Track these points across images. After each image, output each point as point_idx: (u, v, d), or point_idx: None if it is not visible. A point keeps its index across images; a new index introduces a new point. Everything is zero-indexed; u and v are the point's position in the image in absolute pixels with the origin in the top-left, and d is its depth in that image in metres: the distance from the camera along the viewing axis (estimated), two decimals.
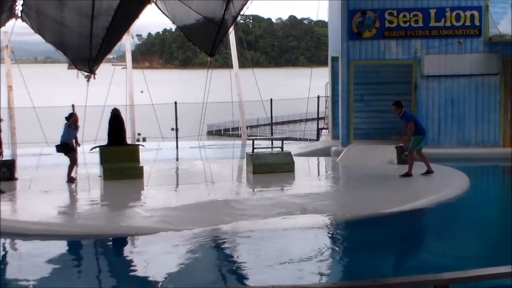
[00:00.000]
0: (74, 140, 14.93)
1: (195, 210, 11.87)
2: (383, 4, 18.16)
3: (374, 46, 18.25)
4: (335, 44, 19.79)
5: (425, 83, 18.18)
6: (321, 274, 8.74)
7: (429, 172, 14.48)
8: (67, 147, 14.63)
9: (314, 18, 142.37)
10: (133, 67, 25.48)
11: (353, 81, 18.45)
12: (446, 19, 18.02)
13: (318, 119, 24.61)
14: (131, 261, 9.83)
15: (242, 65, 25.19)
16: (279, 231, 10.71)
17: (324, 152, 18.76)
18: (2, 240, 11.01)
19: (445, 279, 4.97)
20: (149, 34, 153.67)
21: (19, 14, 16.77)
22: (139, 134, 29.11)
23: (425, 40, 18.07)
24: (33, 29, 17.25)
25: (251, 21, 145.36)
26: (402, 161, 15.80)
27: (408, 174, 14.33)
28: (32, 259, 9.75)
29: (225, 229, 10.83)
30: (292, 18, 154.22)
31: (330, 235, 10.86)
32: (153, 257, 9.90)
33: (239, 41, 24.76)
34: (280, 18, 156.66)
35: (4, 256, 10.63)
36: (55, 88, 73.77)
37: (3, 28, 18.06)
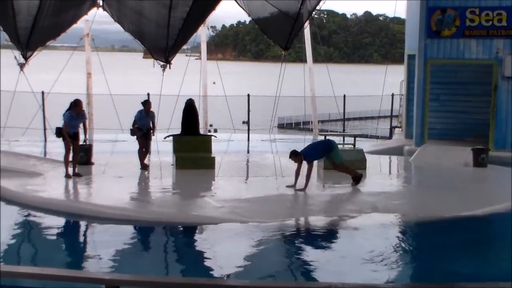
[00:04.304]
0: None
1: (265, 203, 11.90)
2: (465, 2, 17.65)
3: (453, 44, 17.78)
4: (412, 42, 19.40)
5: (506, 85, 17.57)
6: (390, 274, 8.61)
7: (356, 177, 13.52)
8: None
9: (390, 15, 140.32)
10: (207, 59, 25.72)
11: (430, 80, 18.05)
12: None
13: (391, 117, 24.23)
14: (199, 250, 9.96)
15: (315, 60, 25.03)
16: (349, 228, 10.62)
17: (396, 151, 18.45)
18: (80, 222, 11.41)
19: None
20: (223, 26, 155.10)
21: (101, 3, 17.20)
22: (210, 125, 29.39)
23: (508, 40, 17.46)
24: (113, 18, 17.66)
25: (325, 16, 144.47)
26: (478, 163, 15.37)
27: (356, 179, 13.44)
28: (105, 242, 10.03)
29: (294, 223, 10.83)
30: (367, 14, 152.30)
31: (401, 235, 10.68)
32: (221, 247, 10.00)
33: (313, 35, 24.61)
34: (354, 14, 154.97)
35: (80, 237, 10.99)
36: (130, 76, 75.38)
37: (85, 17, 18.54)
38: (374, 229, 10.68)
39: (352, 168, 13.67)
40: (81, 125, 14.04)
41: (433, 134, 18.41)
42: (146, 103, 15.32)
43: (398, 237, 10.52)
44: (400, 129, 21.37)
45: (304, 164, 12.97)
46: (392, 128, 23.61)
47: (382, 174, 15.66)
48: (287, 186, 13.01)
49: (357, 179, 13.43)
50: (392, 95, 23.04)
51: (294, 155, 13.09)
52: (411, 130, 18.91)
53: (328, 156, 13.51)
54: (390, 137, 23.53)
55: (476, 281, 7.64)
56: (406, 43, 20.86)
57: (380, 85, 21.26)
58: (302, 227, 10.73)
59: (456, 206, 11.89)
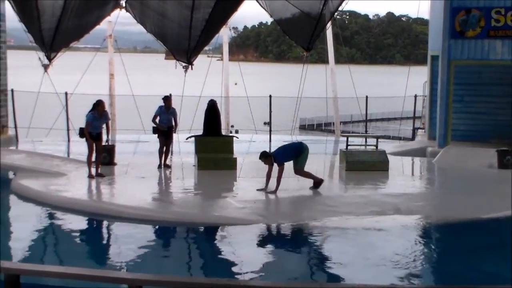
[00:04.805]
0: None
1: (286, 204, 11.90)
2: (490, 2, 17.46)
3: (477, 45, 17.60)
4: (435, 43, 19.25)
5: None
6: (413, 276, 8.54)
7: (317, 183, 13.21)
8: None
9: (413, 15, 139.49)
10: (229, 60, 25.77)
11: (453, 81, 17.89)
12: None
13: (414, 118, 24.06)
14: (221, 250, 9.96)
15: (337, 61, 24.97)
16: (371, 229, 10.55)
17: (419, 153, 18.33)
18: (103, 222, 11.48)
19: None
20: (245, 27, 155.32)
21: (123, 5, 17.29)
22: (232, 126, 29.43)
23: None
24: (135, 19, 17.74)
25: (347, 17, 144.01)
26: (503, 165, 15.21)
27: (316, 183, 13.17)
28: (128, 242, 10.07)
29: (316, 225, 10.79)
30: (390, 15, 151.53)
31: (424, 237, 10.59)
32: (243, 248, 10.00)
33: (335, 36, 24.54)
34: (377, 15, 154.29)
35: (103, 237, 11.05)
36: (153, 77, 75.76)
37: (108, 18, 18.66)
38: (397, 231, 10.62)
39: (311, 174, 13.26)
40: (104, 125, 14.12)
41: (457, 135, 18.25)
42: (167, 99, 15.39)
43: (420, 239, 10.44)
44: (423, 130, 21.22)
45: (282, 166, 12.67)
46: (415, 130, 23.45)
47: (404, 176, 15.56)
48: (258, 190, 12.67)
49: (317, 184, 13.06)
50: (415, 96, 22.88)
51: (264, 156, 12.78)
52: (434, 132, 18.78)
53: (295, 159, 13.08)
54: (412, 138, 23.36)
55: (496, 283, 7.58)
56: (430, 44, 20.71)
57: (402, 86, 21.14)
58: (324, 228, 10.68)
59: (480, 208, 11.77)
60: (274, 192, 12.48)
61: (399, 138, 30.91)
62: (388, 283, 7.93)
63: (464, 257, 9.48)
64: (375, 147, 16.15)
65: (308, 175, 13.16)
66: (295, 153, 13.04)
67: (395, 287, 6.70)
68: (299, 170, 13.10)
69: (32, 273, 5.53)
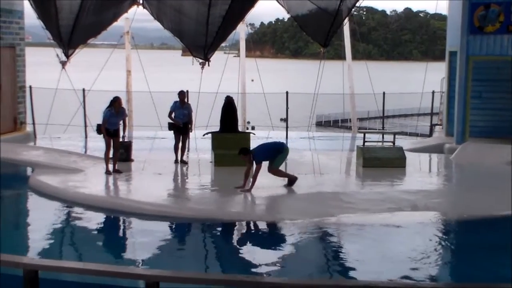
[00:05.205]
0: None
1: (303, 201, 11.88)
2: None
3: (496, 41, 17.43)
4: (453, 39, 19.10)
5: None
6: (429, 273, 8.50)
7: (291, 180, 13.03)
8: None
9: (431, 11, 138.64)
10: (245, 56, 25.73)
11: (472, 77, 17.74)
12: None
13: (431, 114, 23.91)
14: (238, 246, 9.98)
15: (354, 57, 24.84)
16: (388, 226, 10.51)
17: (437, 149, 18.21)
18: (120, 218, 11.55)
19: None
20: (262, 24, 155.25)
21: (141, 1, 17.34)
22: (248, 122, 29.42)
23: None
24: (152, 16, 17.78)
25: (364, 13, 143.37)
26: None
27: (291, 181, 12.98)
28: (145, 238, 10.12)
29: (333, 221, 10.77)
30: (407, 11, 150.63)
31: (441, 234, 10.52)
32: (260, 244, 10.01)
33: (352, 32, 24.42)
34: (394, 11, 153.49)
35: (120, 233, 11.11)
36: (169, 74, 75.95)
37: (125, 15, 18.72)
38: (414, 227, 10.57)
39: (285, 172, 13.10)
40: (121, 122, 14.18)
41: (475, 132, 18.09)
42: (180, 94, 15.44)
43: (437, 236, 10.37)
44: (441, 126, 21.08)
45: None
46: (432, 126, 23.28)
47: (422, 172, 15.47)
48: (235, 188, 12.52)
49: (291, 182, 12.88)
50: (433, 92, 22.72)
51: (243, 153, 12.59)
52: (452, 128, 18.64)
53: (273, 159, 12.85)
54: (430, 135, 23.20)
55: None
56: (448, 39, 20.54)
57: (419, 83, 21.02)
58: (341, 225, 10.65)
59: (498, 205, 11.67)
60: (249, 190, 12.26)
61: (416, 135, 30.76)
62: (405, 279, 7.89)
63: (480, 254, 9.41)
64: (392, 144, 16.08)
65: (282, 174, 13.00)
66: (274, 153, 12.84)
67: (406, 284, 6.66)
68: (274, 170, 12.87)
69: (50, 269, 5.57)
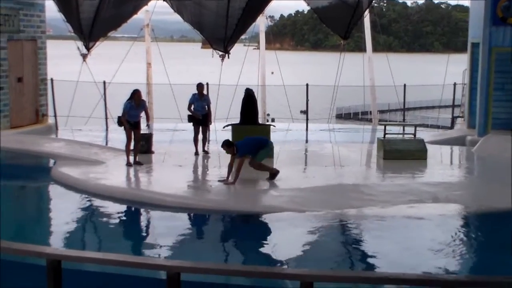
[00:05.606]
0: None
1: (324, 193, 11.84)
2: None
3: None
4: (476, 30, 18.88)
5: None
6: (450, 265, 8.46)
7: (273, 174, 12.84)
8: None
9: (453, 3, 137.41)
10: (265, 48, 25.69)
11: (494, 69, 17.53)
12: None
13: (453, 106, 23.70)
14: (258, 238, 9.98)
15: (374, 49, 24.71)
16: (410, 218, 10.46)
17: (458, 141, 18.06)
18: (141, 209, 11.63)
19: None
20: (281, 16, 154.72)
21: None
22: (268, 114, 29.40)
23: None
24: (172, 8, 17.78)
25: (385, 5, 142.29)
26: None
27: (273, 175, 12.80)
28: (165, 229, 10.17)
29: (353, 213, 10.74)
30: (428, 2, 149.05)
31: (462, 226, 10.46)
32: (280, 236, 10.02)
33: (372, 24, 24.27)
34: (415, 2, 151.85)
35: (141, 224, 11.19)
36: (189, 66, 76.07)
37: (145, 7, 18.76)
38: (435, 219, 10.50)
39: (266, 166, 12.92)
40: (142, 114, 14.23)
41: (497, 124, 17.89)
42: (199, 86, 15.50)
43: (459, 228, 10.31)
44: (463, 119, 20.89)
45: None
46: (454, 118, 23.09)
47: (443, 165, 15.35)
48: (219, 181, 12.48)
49: (273, 175, 12.75)
50: (454, 84, 22.53)
51: (226, 145, 12.53)
52: (474, 120, 18.46)
53: (256, 153, 12.73)
54: (451, 127, 23.03)
55: None
56: (470, 31, 20.32)
57: (440, 75, 20.84)
58: (361, 217, 10.62)
59: None
60: (233, 183, 12.22)
61: (438, 127, 30.53)
62: (427, 271, 7.85)
63: (501, 247, 9.32)
64: (413, 136, 15.97)
65: (263, 167, 12.86)
66: (257, 147, 12.75)
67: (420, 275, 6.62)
68: (255, 164, 12.76)
69: (72, 259, 5.61)
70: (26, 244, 5.79)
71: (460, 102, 22.27)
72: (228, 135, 16.31)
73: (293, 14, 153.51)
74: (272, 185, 12.34)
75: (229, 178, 12.40)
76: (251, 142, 12.83)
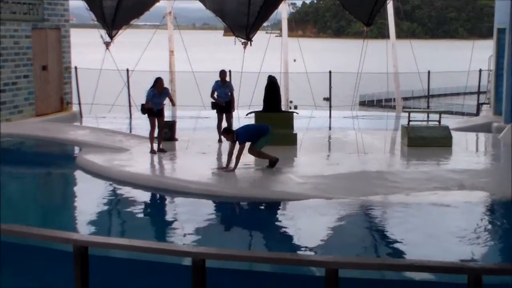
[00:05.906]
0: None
1: (348, 180, 11.79)
2: None
3: None
4: (502, 15, 18.60)
5: None
6: (476, 252, 8.39)
7: (273, 162, 12.73)
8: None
9: None
10: (288, 36, 25.56)
11: None
12: None
13: (478, 93, 23.42)
14: (282, 225, 9.98)
15: (397, 35, 24.46)
16: (435, 205, 10.37)
17: (484, 128, 17.85)
18: (165, 196, 11.69)
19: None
20: (303, 3, 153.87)
21: None
22: (290, 101, 29.29)
23: None
24: None
25: None
26: None
27: (272, 163, 12.70)
28: (190, 216, 10.22)
29: (378, 200, 10.69)
30: None
31: (488, 213, 10.37)
32: (304, 223, 10.00)
33: (395, 11, 24.02)
34: None
35: (165, 211, 11.24)
36: (212, 54, 76.07)
37: None
38: (461, 207, 10.41)
39: (265, 153, 12.79)
40: (165, 101, 14.26)
41: None
42: (222, 73, 15.51)
43: (485, 215, 10.22)
44: (488, 105, 20.64)
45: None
46: (479, 105, 22.82)
47: (468, 152, 15.20)
48: (218, 169, 12.48)
49: (273, 163, 12.66)
50: (480, 70, 22.25)
51: (226, 132, 12.56)
52: (500, 107, 18.23)
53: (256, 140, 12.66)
54: (477, 113, 22.77)
55: None
56: (496, 16, 20.02)
57: (465, 61, 20.59)
58: (386, 204, 10.57)
59: None
60: (233, 170, 12.20)
61: (462, 114, 30.19)
62: (452, 259, 7.79)
63: None
64: (437, 123, 15.82)
65: (263, 155, 12.79)
66: (258, 135, 12.69)
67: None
68: (255, 151, 12.73)
69: (99, 245, 5.66)
70: (53, 230, 5.84)
71: (486, 89, 22.00)
72: (251, 122, 16.30)
73: (315, 1, 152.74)
74: (296, 172, 12.32)
75: (229, 166, 12.37)
76: (251, 130, 12.85)
